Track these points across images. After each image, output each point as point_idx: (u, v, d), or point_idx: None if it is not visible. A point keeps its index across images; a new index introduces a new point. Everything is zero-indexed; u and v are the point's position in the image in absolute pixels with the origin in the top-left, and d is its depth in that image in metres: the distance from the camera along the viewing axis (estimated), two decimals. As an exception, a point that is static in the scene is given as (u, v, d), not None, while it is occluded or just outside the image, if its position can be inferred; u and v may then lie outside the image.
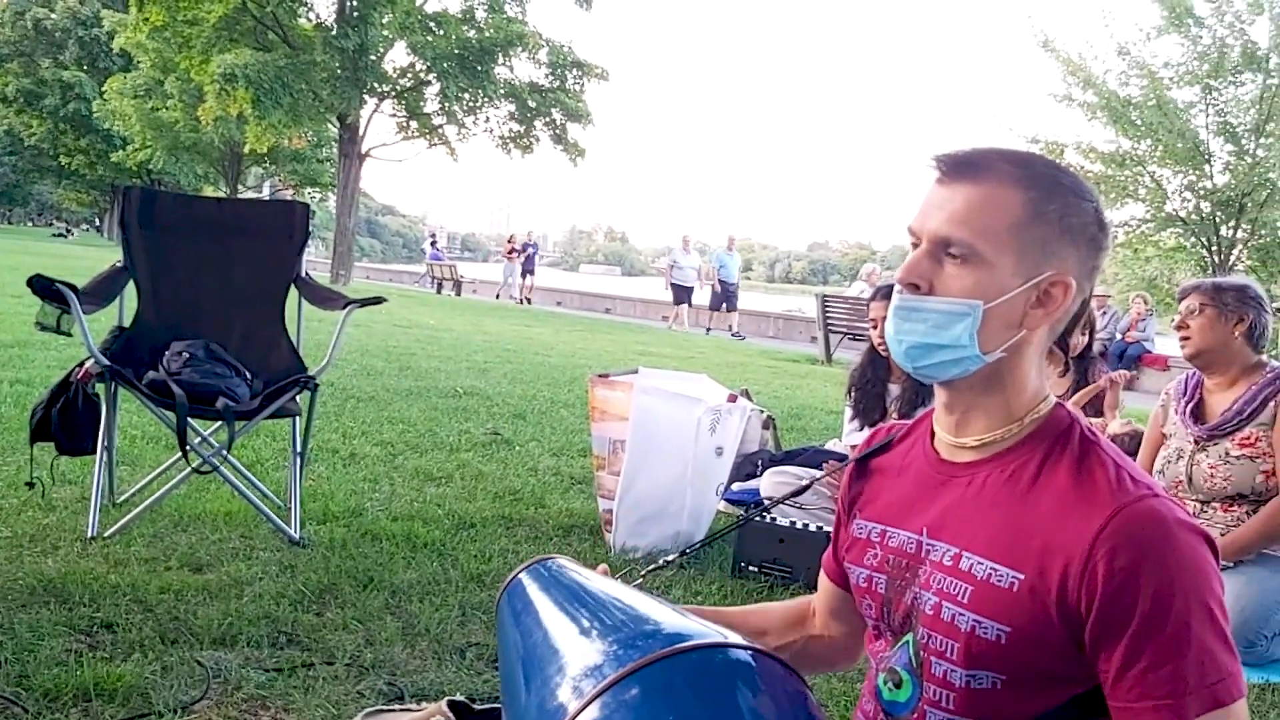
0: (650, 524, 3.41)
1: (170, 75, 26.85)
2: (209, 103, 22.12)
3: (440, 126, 24.75)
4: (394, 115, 24.65)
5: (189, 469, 3.12)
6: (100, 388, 3.17)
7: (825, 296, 13.65)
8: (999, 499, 1.16)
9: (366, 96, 23.24)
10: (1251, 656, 2.86)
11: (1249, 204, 15.99)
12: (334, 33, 22.08)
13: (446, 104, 23.83)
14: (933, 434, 1.28)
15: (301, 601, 2.67)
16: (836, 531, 1.43)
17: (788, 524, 3.34)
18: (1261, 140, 15.86)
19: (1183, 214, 17.06)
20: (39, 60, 40.82)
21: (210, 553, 2.99)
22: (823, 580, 1.48)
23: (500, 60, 23.73)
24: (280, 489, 3.68)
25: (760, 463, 4.31)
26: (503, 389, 7.06)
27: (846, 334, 12.66)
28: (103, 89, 33.15)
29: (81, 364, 3.17)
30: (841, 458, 3.68)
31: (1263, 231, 16.59)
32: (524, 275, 24.30)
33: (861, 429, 3.87)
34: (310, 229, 3.82)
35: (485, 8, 24.02)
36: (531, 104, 24.45)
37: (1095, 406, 4.55)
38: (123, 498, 3.44)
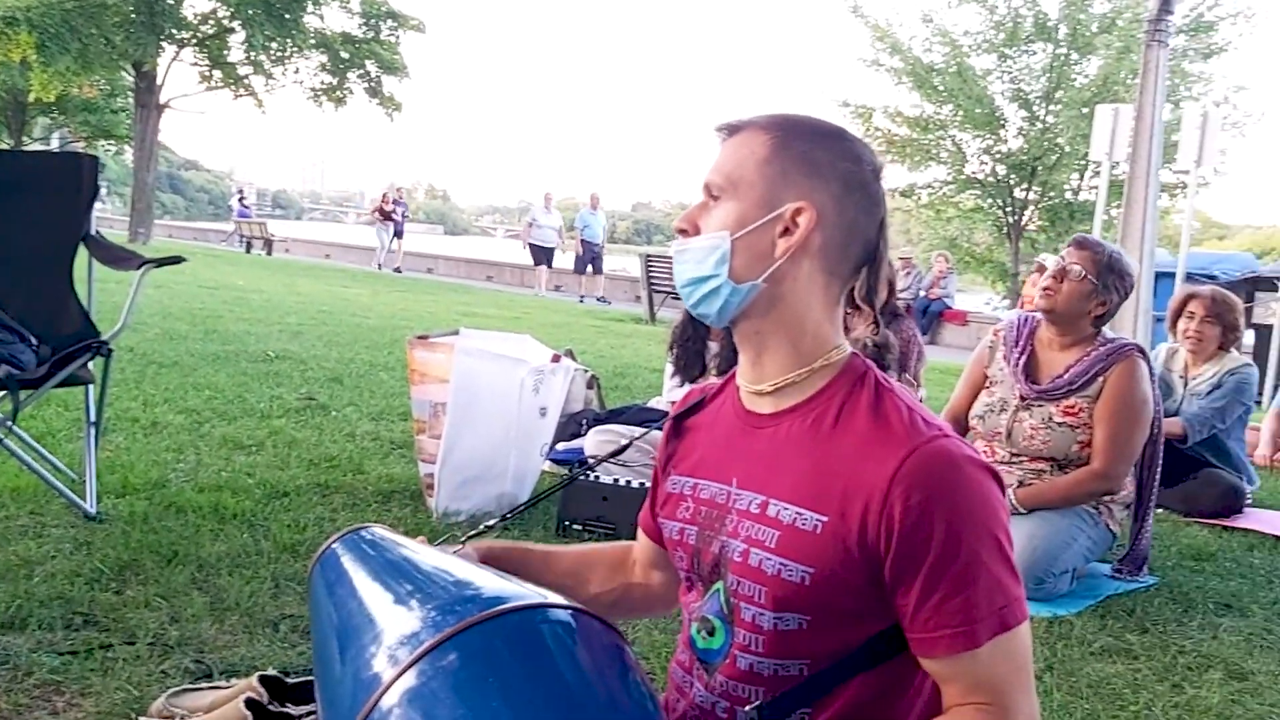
0: (473, 487, 3.37)
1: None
2: (-12, 47, 20.31)
3: (246, 77, 23.48)
4: (195, 64, 23.23)
5: (-34, 444, 2.88)
6: None
7: (649, 256, 13.80)
8: (802, 445, 1.20)
9: (165, 43, 21.81)
10: (1041, 593, 3.06)
11: (1040, 167, 17.06)
12: (127, -26, 20.62)
13: (252, 53, 22.63)
14: (739, 387, 1.31)
15: (99, 580, 2.51)
16: (653, 489, 1.45)
17: (611, 482, 3.36)
18: (1051, 107, 16.91)
19: (981, 176, 18.05)
20: None
21: (-7, 533, 2.77)
22: (640, 536, 1.50)
23: (310, 8, 22.64)
24: (75, 462, 3.45)
25: (585, 422, 4.33)
26: (318, 352, 6.83)
27: (670, 293, 12.84)
28: None
29: None
30: (664, 414, 3.73)
31: (1052, 193, 17.75)
32: (393, 238, 21.95)
33: (682, 385, 3.92)
34: (100, 183, 3.56)
35: (292, -49, 22.90)
36: (344, 55, 23.50)
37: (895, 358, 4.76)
38: (-110, 477, 3.15)
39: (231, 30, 22.73)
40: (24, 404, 2.98)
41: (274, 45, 22.59)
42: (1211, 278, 9.79)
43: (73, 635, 2.21)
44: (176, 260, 3.36)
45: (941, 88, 17.28)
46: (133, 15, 20.74)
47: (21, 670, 2.03)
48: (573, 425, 4.32)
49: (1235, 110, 16.72)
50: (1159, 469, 3.36)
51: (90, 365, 3.17)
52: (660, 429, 1.47)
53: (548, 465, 3.87)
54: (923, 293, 14.98)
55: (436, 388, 3.40)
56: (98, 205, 3.62)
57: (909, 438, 1.13)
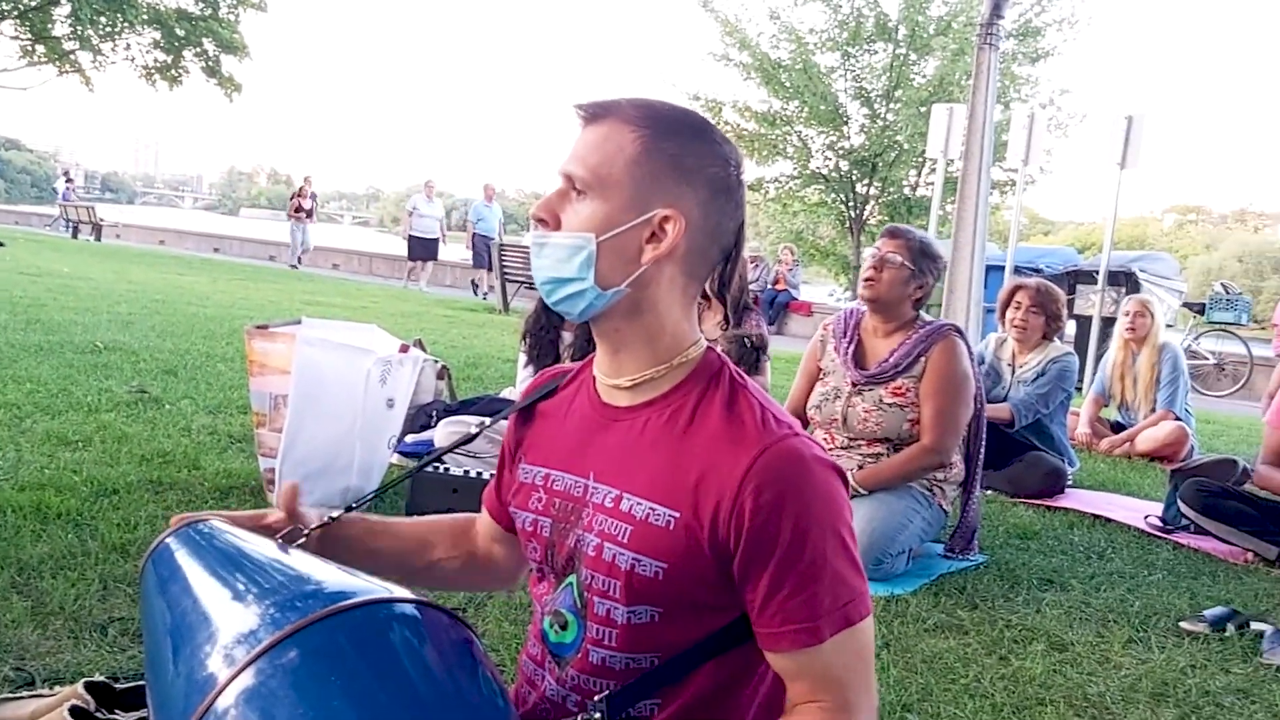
0: (316, 481, 3.28)
1: None
2: None
3: (72, 52, 22.14)
4: (16, 37, 21.75)
5: None
6: None
7: (503, 245, 13.66)
8: (658, 441, 1.20)
9: (-21, 14, 20.37)
10: (879, 573, 3.19)
11: (880, 164, 17.64)
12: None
13: (79, 27, 21.36)
14: (595, 378, 1.30)
15: (-96, 588, 2.34)
16: (499, 472, 1.44)
17: (461, 473, 3.33)
18: (891, 105, 17.50)
19: (825, 172, 18.53)
20: None
21: None
22: (484, 515, 1.49)
23: (142, -18, 21.53)
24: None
25: (435, 413, 4.26)
26: (151, 343, 6.51)
27: (524, 283, 12.75)
28: None
29: None
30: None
31: (891, 189, 18.38)
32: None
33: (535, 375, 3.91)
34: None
35: (122, -79, 21.68)
36: (180, 32, 22.45)
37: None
38: None
39: (56, 2, 21.36)
40: None
41: (103, 20, 21.39)
42: (1037, 271, 10.37)
43: (-127, 648, 2.05)
44: (-9, 245, 3.15)
45: (788, 84, 17.67)
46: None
47: None
48: (422, 417, 4.25)
49: (1060, 112, 17.69)
50: (984, 443, 3.55)
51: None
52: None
53: (396, 458, 3.79)
54: (770, 285, 15.34)
55: (277, 379, 3.29)
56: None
57: (760, 437, 1.14)
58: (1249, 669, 2.69)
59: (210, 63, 22.95)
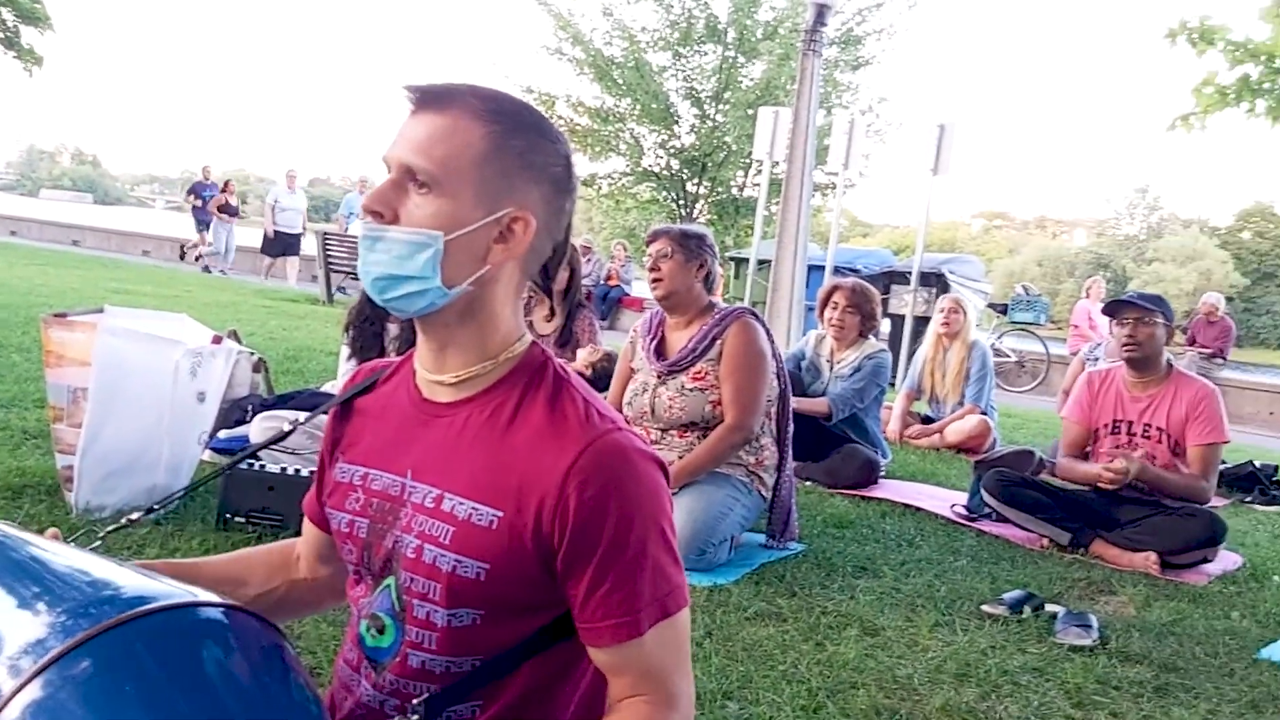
0: (120, 479, 3.09)
1: None
2: None
3: None
4: None
5: None
6: None
7: (326, 234, 13.22)
8: (480, 438, 1.18)
9: None
10: (702, 563, 3.26)
11: (710, 164, 17.99)
12: None
13: None
14: (415, 373, 1.27)
15: None
16: (320, 474, 1.39)
17: (278, 470, 3.20)
18: (720, 107, 17.86)
19: (657, 169, 18.77)
20: None
21: None
22: (306, 524, 1.43)
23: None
24: None
25: (250, 408, 4.10)
26: (-66, 331, 6.01)
27: (349, 273, 12.39)
28: None
29: None
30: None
31: (720, 189, 18.77)
32: (201, 228, 17.52)
33: (358, 369, 3.81)
34: None
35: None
36: (-28, 0, 20.74)
37: (574, 347, 4.88)
38: None
39: None
40: None
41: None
42: (855, 271, 10.77)
43: None
44: None
45: (621, 81, 17.81)
46: None
47: None
48: (237, 411, 4.08)
49: (878, 119, 18.44)
50: (791, 425, 3.68)
51: None
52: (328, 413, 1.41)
53: (208, 455, 3.63)
54: (602, 280, 15.43)
55: (76, 371, 3.08)
56: None
57: (584, 431, 1.14)
58: (1043, 648, 2.88)
59: (8, 33, 21.29)
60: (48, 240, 19.74)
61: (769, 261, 8.95)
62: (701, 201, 18.96)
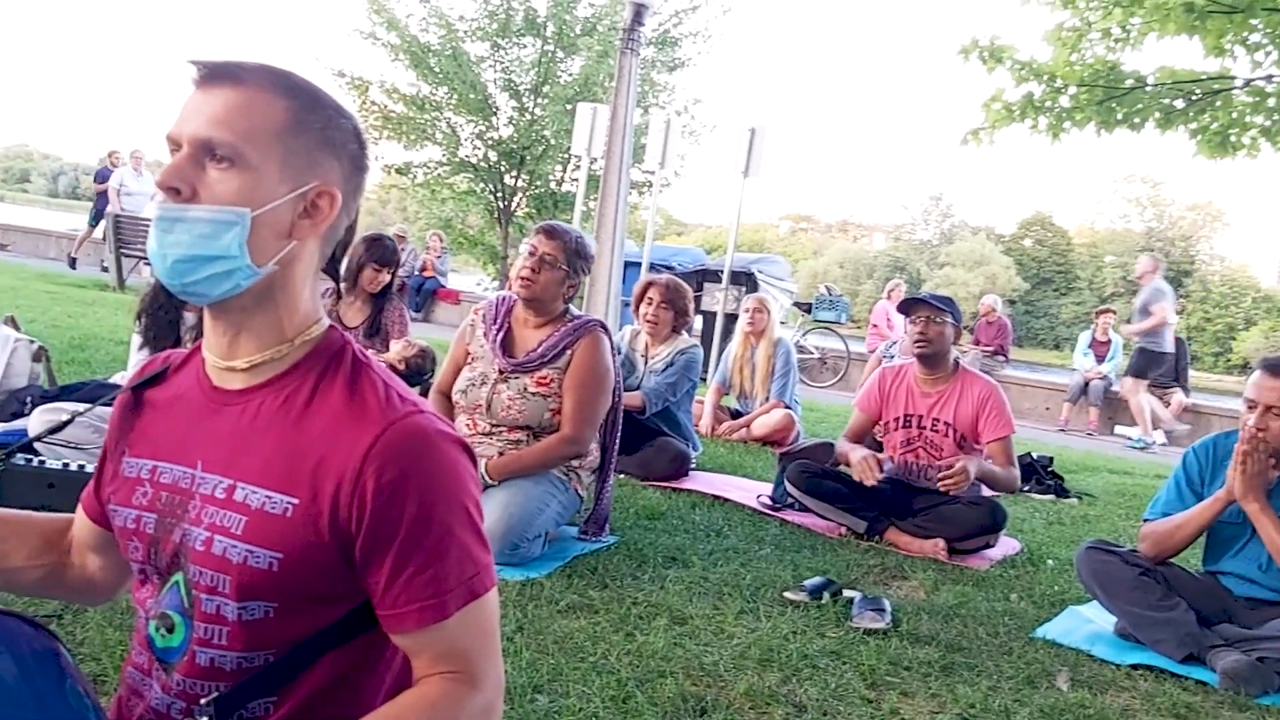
0: (-125, 476, 2.83)
1: None
2: None
3: None
4: None
5: None
6: None
7: (118, 216, 12.44)
8: (273, 425, 1.15)
9: None
10: (516, 558, 3.24)
11: (528, 157, 17.89)
12: None
13: None
14: (205, 360, 1.22)
15: None
16: (100, 468, 1.31)
17: (60, 466, 3.00)
18: (539, 100, 17.79)
19: (474, 160, 18.53)
20: None
21: None
22: (81, 518, 1.35)
23: None
24: None
25: (30, 400, 3.82)
26: None
27: (142, 258, 11.70)
28: None
29: None
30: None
31: (538, 182, 18.70)
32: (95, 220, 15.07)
33: (151, 359, 3.60)
34: None
35: None
36: None
37: (383, 338, 4.78)
38: None
39: None
40: None
41: None
42: (670, 268, 10.98)
43: None
44: None
45: (438, 69, 17.46)
46: None
47: None
48: (14, 403, 3.79)
49: (693, 120, 18.77)
50: (619, 435, 3.71)
51: None
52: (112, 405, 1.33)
53: (-20, 450, 3.35)
54: (417, 271, 15.13)
55: None
56: None
57: (383, 414, 1.12)
58: (841, 632, 3.01)
59: None
60: None
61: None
62: (520, 194, 18.85)
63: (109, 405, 1.32)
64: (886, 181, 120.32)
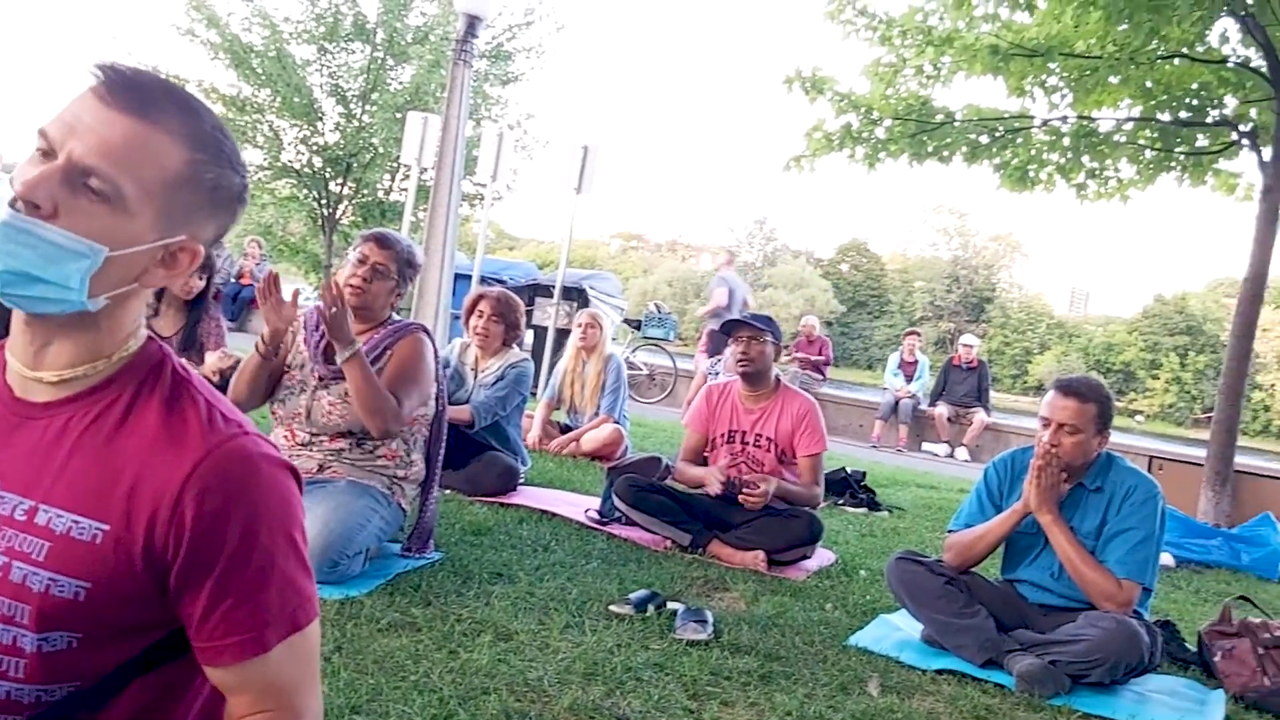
0: None
1: None
2: None
3: None
4: None
5: None
6: None
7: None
8: (83, 444, 1.07)
9: None
10: (335, 575, 3.13)
11: (355, 164, 17.48)
12: None
13: None
14: (7, 366, 1.13)
15: None
16: None
17: None
18: (367, 107, 17.42)
19: (297, 166, 17.96)
20: None
21: None
22: None
23: None
24: None
25: None
26: None
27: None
28: None
29: None
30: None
31: (365, 191, 18.28)
32: None
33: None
34: None
35: None
36: None
37: (199, 349, 4.57)
38: None
39: None
40: None
41: None
42: (501, 282, 10.92)
43: None
44: None
45: (260, 71, 16.87)
46: None
47: None
48: None
49: (526, 135, 18.76)
50: (443, 447, 3.66)
51: None
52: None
53: None
54: (234, 279, 14.52)
55: None
56: None
57: (206, 437, 1.06)
58: (665, 644, 3.05)
59: None
60: None
61: (413, 268, 8.82)
62: (346, 202, 18.37)
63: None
64: (714, 203, 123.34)
